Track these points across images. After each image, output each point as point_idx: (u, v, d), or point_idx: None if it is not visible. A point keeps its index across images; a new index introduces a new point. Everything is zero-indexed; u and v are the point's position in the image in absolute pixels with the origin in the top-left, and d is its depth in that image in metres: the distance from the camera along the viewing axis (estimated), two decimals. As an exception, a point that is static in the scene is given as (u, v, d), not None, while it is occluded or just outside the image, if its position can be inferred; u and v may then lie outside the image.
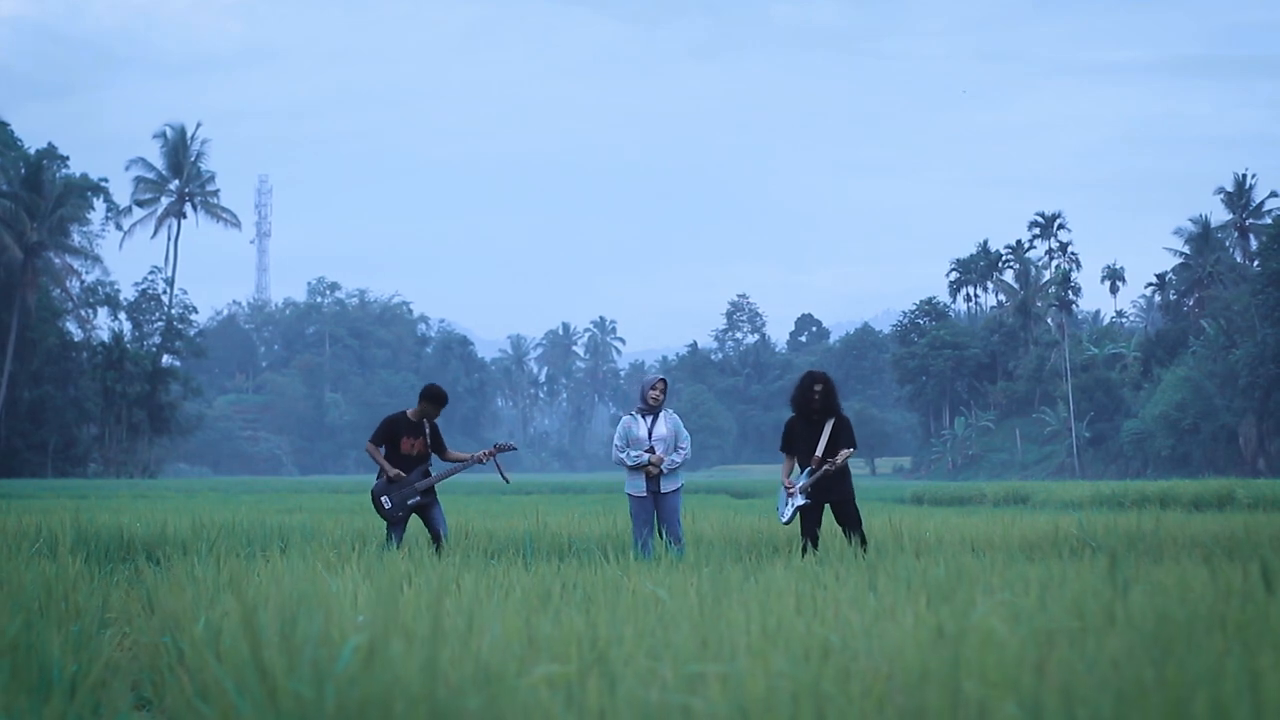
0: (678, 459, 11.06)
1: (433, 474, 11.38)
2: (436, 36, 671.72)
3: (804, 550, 9.86)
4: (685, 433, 11.25)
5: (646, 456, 10.96)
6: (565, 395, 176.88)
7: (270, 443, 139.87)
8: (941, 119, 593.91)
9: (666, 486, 11.07)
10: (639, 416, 11.21)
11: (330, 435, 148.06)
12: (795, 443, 10.42)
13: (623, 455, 11.13)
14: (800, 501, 10.16)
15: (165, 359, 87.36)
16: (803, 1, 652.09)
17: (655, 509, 11.09)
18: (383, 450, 11.32)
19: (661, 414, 11.18)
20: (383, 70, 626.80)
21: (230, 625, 3.78)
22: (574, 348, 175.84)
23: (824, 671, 2.70)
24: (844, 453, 10.14)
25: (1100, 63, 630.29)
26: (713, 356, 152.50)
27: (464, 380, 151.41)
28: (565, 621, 4.00)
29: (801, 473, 10.32)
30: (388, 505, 11.18)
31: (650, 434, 11.08)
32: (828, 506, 10.34)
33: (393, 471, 11.14)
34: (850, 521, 10.24)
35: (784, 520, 10.41)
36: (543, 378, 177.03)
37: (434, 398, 11.32)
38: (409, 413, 11.38)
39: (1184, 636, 3.59)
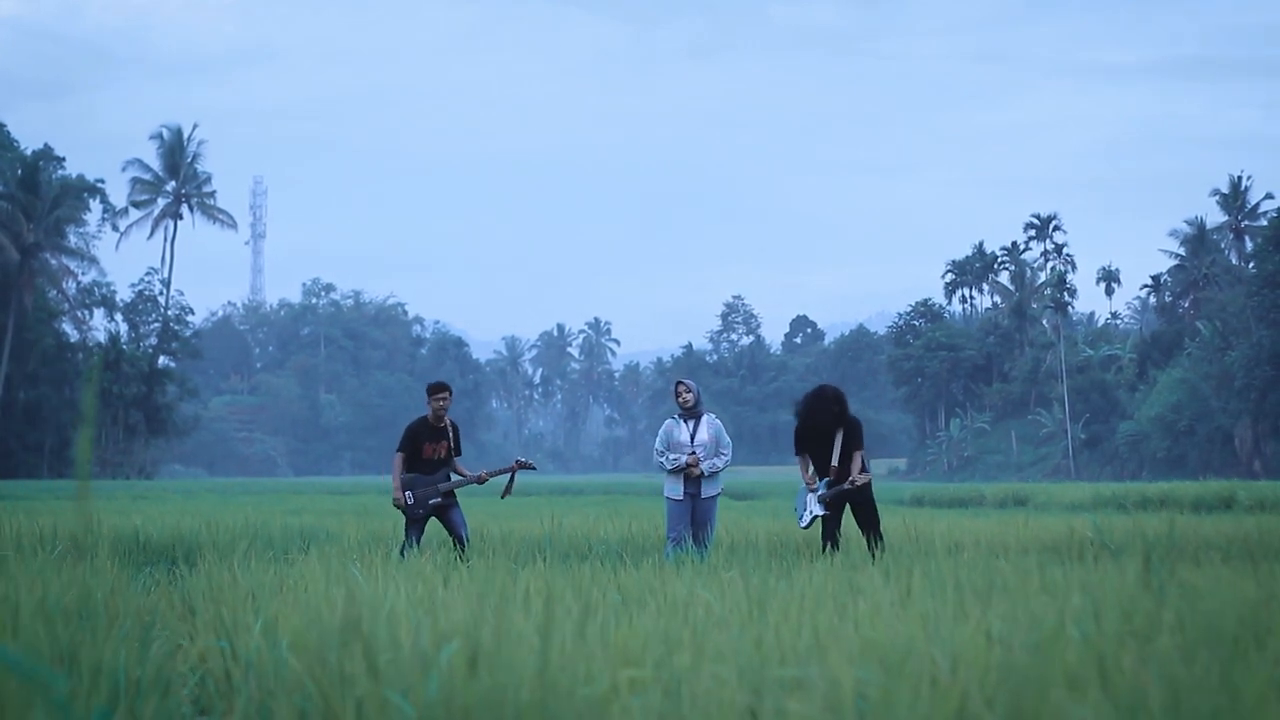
0: (719, 464, 11.12)
1: (452, 479, 11.45)
2: (432, 37, 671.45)
3: (824, 549, 9.95)
4: (727, 439, 11.30)
5: (685, 459, 11.05)
6: (560, 397, 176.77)
7: (265, 444, 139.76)
8: (938, 120, 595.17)
9: (706, 491, 11.15)
10: (680, 421, 11.28)
11: (325, 436, 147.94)
12: (808, 445, 10.51)
13: (662, 459, 11.21)
14: (820, 511, 10.28)
15: (161, 360, 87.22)
16: (801, 1, 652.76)
17: (692, 512, 11.15)
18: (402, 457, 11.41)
19: (704, 418, 11.24)
20: (378, 71, 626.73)
21: (296, 628, 3.78)
22: (569, 349, 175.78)
23: (904, 674, 2.71)
24: (862, 477, 10.22)
25: (1096, 64, 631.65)
26: (708, 358, 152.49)
27: (459, 381, 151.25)
28: (621, 625, 4.00)
29: (820, 480, 10.40)
30: (409, 502, 11.27)
31: (693, 438, 11.15)
32: (848, 507, 10.44)
33: (396, 494, 11.26)
34: (869, 523, 10.33)
35: (803, 525, 10.51)
36: (537, 379, 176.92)
37: (433, 390, 11.37)
38: (429, 417, 11.43)
39: (1245, 639, 3.60)
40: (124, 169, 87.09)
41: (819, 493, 10.31)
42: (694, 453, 11.06)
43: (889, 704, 2.45)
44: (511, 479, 11.85)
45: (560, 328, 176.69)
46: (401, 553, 9.51)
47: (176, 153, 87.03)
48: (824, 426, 10.42)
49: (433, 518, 11.45)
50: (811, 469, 10.52)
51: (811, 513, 10.36)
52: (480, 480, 11.36)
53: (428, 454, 11.32)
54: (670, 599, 5.15)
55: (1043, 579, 5.99)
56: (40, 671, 2.06)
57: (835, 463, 10.30)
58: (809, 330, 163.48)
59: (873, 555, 9.49)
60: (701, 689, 2.79)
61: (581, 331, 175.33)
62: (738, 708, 2.64)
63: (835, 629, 4.30)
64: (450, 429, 11.45)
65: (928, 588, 5.73)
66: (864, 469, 10.36)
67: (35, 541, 9.85)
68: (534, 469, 11.96)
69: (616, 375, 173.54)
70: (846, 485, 10.23)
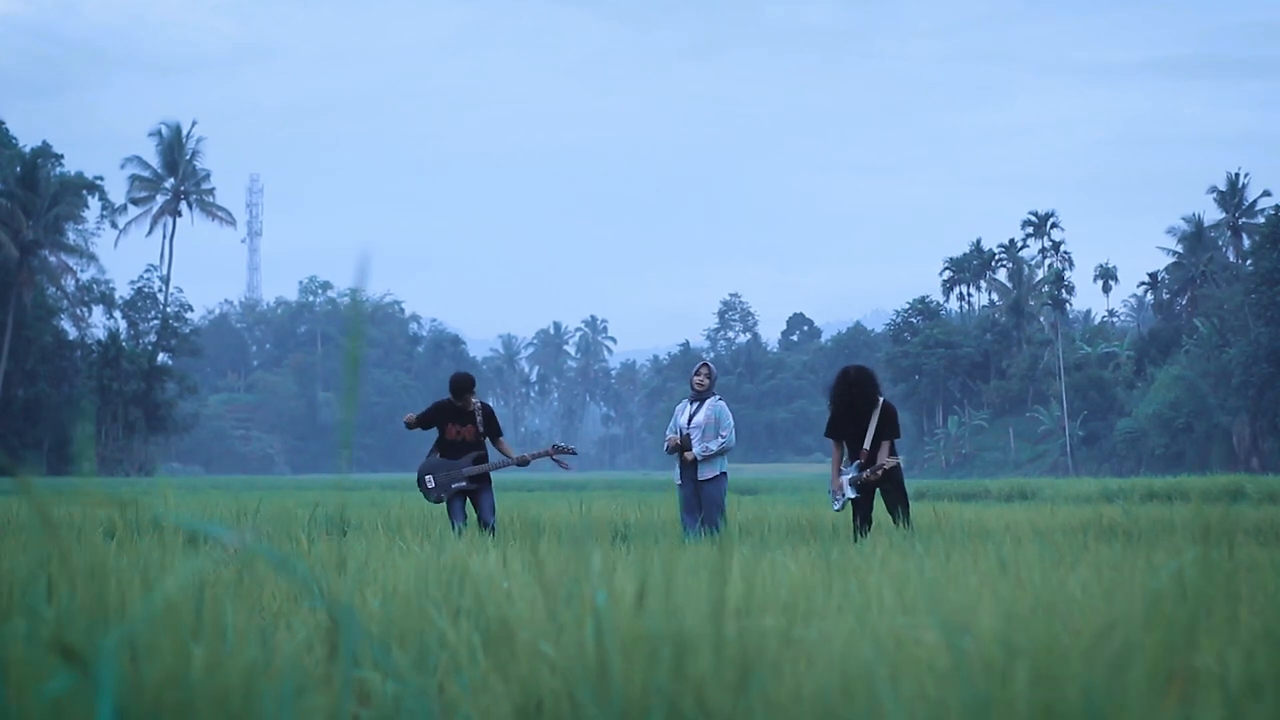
0: (713, 447, 11.14)
1: (492, 460, 11.36)
2: (429, 37, 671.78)
3: (856, 534, 9.97)
4: (729, 420, 11.30)
5: (669, 438, 11.25)
6: (556, 395, 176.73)
7: (262, 442, 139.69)
8: (934, 118, 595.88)
9: (704, 474, 11.19)
10: (687, 404, 11.39)
11: (322, 434, 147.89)
12: (842, 429, 10.52)
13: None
14: (850, 495, 10.30)
15: (161, 357, 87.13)
16: (796, 2, 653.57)
17: (696, 496, 11.23)
18: (436, 437, 11.40)
19: (707, 401, 11.32)
20: (375, 70, 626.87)
21: (389, 588, 3.82)
22: (565, 347, 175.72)
23: (1043, 626, 2.73)
24: (889, 461, 10.27)
25: (1092, 63, 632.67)
26: (705, 356, 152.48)
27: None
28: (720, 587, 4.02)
29: (851, 463, 10.42)
30: (430, 485, 11.10)
31: (690, 421, 11.23)
32: (878, 491, 10.50)
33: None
34: (899, 505, 10.34)
35: (835, 508, 10.55)
36: (534, 377, 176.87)
37: (452, 386, 11.32)
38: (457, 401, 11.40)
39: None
40: (123, 166, 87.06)
41: (849, 475, 10.34)
42: (687, 434, 11.16)
43: (1047, 647, 2.48)
44: (557, 461, 11.67)
45: (557, 326, 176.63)
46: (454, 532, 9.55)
47: (175, 150, 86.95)
48: (855, 409, 10.43)
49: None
50: (845, 456, 10.54)
51: (844, 496, 10.40)
52: (522, 462, 11.25)
53: (451, 435, 11.21)
54: (744, 565, 5.18)
55: (1099, 553, 6.04)
56: (291, 561, 2.23)
57: (867, 446, 10.34)
58: (806, 328, 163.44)
59: (898, 527, 9.56)
60: (840, 632, 2.84)
61: (578, 329, 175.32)
62: (893, 642, 2.69)
63: (918, 590, 4.33)
64: (479, 412, 11.34)
65: (987, 559, 5.76)
66: (892, 454, 10.41)
67: (77, 527, 9.84)
68: (573, 453, 11.81)
69: (613, 373, 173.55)
70: (867, 474, 10.26)
